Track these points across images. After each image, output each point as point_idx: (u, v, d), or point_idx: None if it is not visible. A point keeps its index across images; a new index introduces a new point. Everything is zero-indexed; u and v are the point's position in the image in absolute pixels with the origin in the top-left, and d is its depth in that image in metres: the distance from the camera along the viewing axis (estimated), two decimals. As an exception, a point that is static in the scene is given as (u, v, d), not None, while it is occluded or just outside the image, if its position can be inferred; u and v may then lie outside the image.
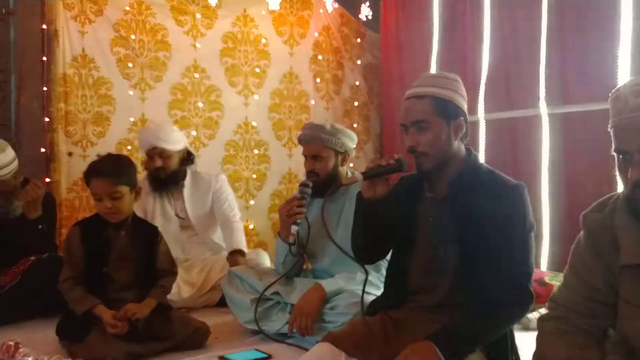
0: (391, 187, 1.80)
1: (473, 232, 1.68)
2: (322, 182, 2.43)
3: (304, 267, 2.71)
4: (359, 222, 1.87)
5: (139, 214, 3.02)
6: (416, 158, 1.74)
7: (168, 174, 3.20)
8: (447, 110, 1.73)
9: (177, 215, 3.25)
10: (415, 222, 1.82)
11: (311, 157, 2.49)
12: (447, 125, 1.73)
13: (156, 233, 2.40)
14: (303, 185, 2.42)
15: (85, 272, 2.23)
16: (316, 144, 2.47)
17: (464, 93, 1.80)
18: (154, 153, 3.16)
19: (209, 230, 3.34)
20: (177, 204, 3.27)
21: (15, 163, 2.78)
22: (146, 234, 2.37)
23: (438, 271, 1.76)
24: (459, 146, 1.78)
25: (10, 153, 2.77)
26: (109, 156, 2.30)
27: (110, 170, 2.19)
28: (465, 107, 1.79)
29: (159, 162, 3.16)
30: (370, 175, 1.74)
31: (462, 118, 1.76)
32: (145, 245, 2.34)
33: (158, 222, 3.13)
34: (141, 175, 3.28)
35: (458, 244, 1.71)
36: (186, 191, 3.27)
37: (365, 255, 1.94)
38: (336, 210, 2.50)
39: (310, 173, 2.49)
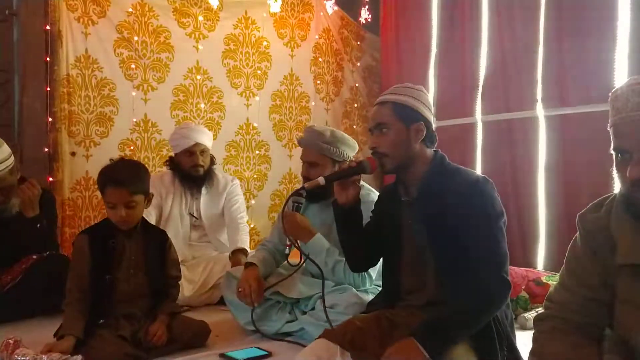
0: (359, 190, 1.91)
1: (445, 230, 1.73)
2: (316, 190, 2.45)
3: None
4: (339, 228, 1.99)
5: (152, 211, 3.07)
6: (378, 159, 1.83)
7: (205, 171, 3.25)
8: (406, 115, 1.81)
9: (190, 214, 3.28)
10: (398, 226, 1.89)
11: (307, 163, 2.47)
12: (406, 128, 1.81)
13: (165, 238, 2.38)
14: (296, 194, 2.44)
15: (94, 281, 2.19)
16: (313, 151, 2.44)
17: (428, 102, 1.89)
18: (197, 149, 3.20)
19: (217, 232, 3.37)
20: (194, 204, 3.30)
21: (12, 159, 2.71)
22: (156, 240, 2.34)
23: (423, 271, 1.84)
24: (422, 149, 1.84)
25: (6, 149, 2.69)
26: (126, 163, 2.24)
27: (129, 179, 2.13)
28: (428, 114, 1.86)
29: (201, 159, 3.21)
30: (332, 179, 1.86)
31: (422, 123, 1.82)
32: (156, 251, 2.32)
33: (172, 221, 3.19)
34: (155, 174, 3.30)
35: (433, 243, 1.78)
36: (204, 193, 3.30)
37: (355, 262, 2.08)
38: (330, 217, 2.50)
39: (304, 178, 2.47)
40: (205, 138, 3.26)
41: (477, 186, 1.75)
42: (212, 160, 3.35)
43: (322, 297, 2.07)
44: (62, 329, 2.10)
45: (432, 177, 1.82)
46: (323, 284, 2.10)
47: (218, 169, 3.46)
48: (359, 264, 2.12)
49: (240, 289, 2.39)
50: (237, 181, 3.48)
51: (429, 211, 1.78)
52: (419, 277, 1.86)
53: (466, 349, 1.67)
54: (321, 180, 1.82)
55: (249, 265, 2.49)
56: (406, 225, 1.88)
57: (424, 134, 1.83)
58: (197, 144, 3.19)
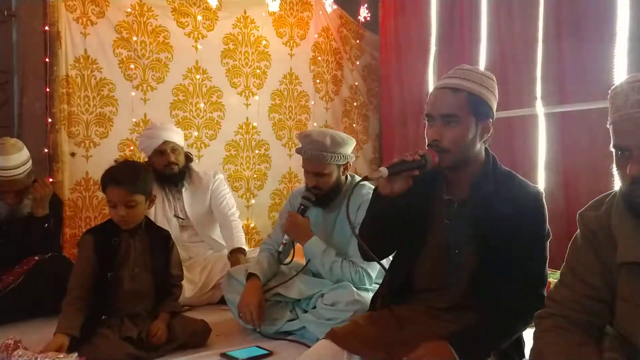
0: (411, 184, 1.63)
1: (493, 238, 1.62)
2: (325, 194, 2.45)
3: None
4: (373, 218, 1.77)
5: None
6: (437, 153, 1.62)
7: (180, 169, 3.21)
8: (480, 109, 1.64)
9: (176, 215, 3.25)
10: (427, 223, 1.75)
11: (313, 174, 2.43)
12: (475, 124, 1.65)
13: (169, 238, 2.42)
14: (305, 198, 2.44)
15: (96, 279, 2.21)
16: (318, 162, 2.39)
17: (497, 94, 1.73)
18: (167, 147, 3.15)
19: (208, 229, 3.34)
20: (177, 204, 3.27)
21: (30, 163, 2.80)
22: (160, 239, 2.38)
23: (450, 273, 1.72)
24: (481, 148, 1.72)
25: (25, 153, 2.80)
26: (127, 164, 2.29)
27: (128, 179, 2.18)
28: (495, 109, 1.70)
29: (172, 157, 3.17)
30: (395, 171, 1.58)
31: (491, 120, 1.68)
32: (160, 251, 2.35)
33: (159, 224, 3.16)
34: None
35: (476, 248, 1.66)
36: (185, 191, 3.27)
37: (368, 250, 1.86)
38: (332, 217, 2.51)
39: (314, 188, 2.44)
40: (174, 135, 3.19)
41: (538, 198, 1.66)
42: (188, 158, 3.30)
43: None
44: (58, 327, 2.12)
45: (486, 179, 1.67)
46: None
47: (196, 166, 3.41)
48: (371, 253, 1.91)
49: (241, 314, 2.40)
50: (220, 176, 3.41)
51: (482, 214, 1.64)
52: (440, 279, 1.74)
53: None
54: (384, 171, 1.56)
55: (250, 276, 2.47)
56: (439, 223, 1.73)
57: (490, 131, 1.69)
58: (165, 142, 3.14)
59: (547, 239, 1.68)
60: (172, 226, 3.20)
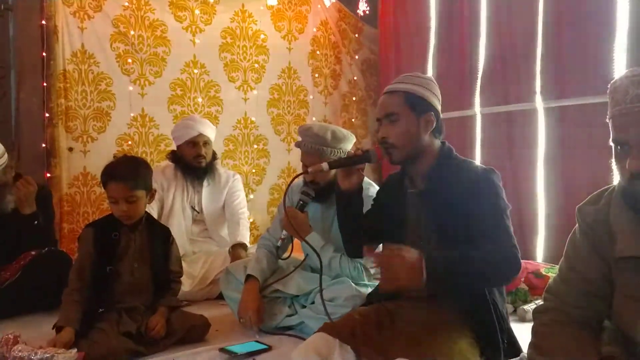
0: (363, 178, 1.92)
1: (452, 224, 1.72)
2: (322, 189, 2.45)
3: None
4: (340, 214, 2.01)
5: (154, 204, 3.08)
6: (386, 150, 1.82)
7: (209, 163, 3.28)
8: (417, 105, 1.80)
9: (192, 207, 3.29)
10: (402, 217, 1.88)
11: None
12: (416, 119, 1.81)
13: (169, 234, 2.43)
14: (304, 193, 2.44)
15: (95, 272, 2.23)
16: (317, 156, 2.38)
17: (437, 92, 1.88)
18: (200, 140, 3.21)
19: (218, 226, 3.38)
20: (195, 197, 3.31)
21: (5, 158, 2.72)
22: (160, 235, 2.39)
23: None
24: (431, 140, 1.84)
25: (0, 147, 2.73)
26: (127, 159, 2.31)
27: (128, 174, 2.19)
28: (437, 105, 1.86)
29: (203, 150, 3.23)
30: (336, 166, 1.87)
31: (432, 113, 1.82)
32: (160, 246, 2.36)
33: (174, 215, 3.20)
34: (157, 167, 3.32)
35: (438, 236, 1.76)
36: (205, 186, 3.32)
37: (353, 249, 2.08)
38: (330, 212, 2.49)
39: (311, 183, 2.45)
40: (209, 130, 3.28)
41: (486, 175, 1.75)
42: (214, 155, 3.37)
43: (321, 289, 2.06)
44: (60, 320, 2.13)
45: (440, 168, 1.81)
46: (321, 270, 2.10)
47: (219, 164, 3.47)
48: (357, 251, 2.11)
49: (241, 319, 2.41)
50: (238, 176, 3.50)
51: (438, 202, 1.76)
52: None
53: (468, 342, 1.67)
54: (325, 166, 1.83)
55: (249, 278, 2.47)
56: (411, 217, 1.86)
57: (434, 125, 1.83)
58: (200, 135, 3.21)
59: (506, 210, 1.73)
60: (185, 217, 3.27)
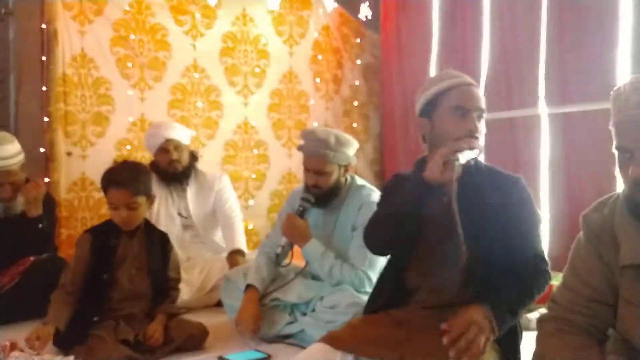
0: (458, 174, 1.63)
1: (482, 227, 1.67)
2: (324, 195, 2.43)
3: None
4: (405, 202, 1.73)
5: None
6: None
7: (183, 167, 3.23)
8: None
9: (179, 214, 3.25)
10: (419, 220, 1.76)
11: (314, 172, 2.41)
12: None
13: (167, 240, 2.42)
14: (304, 199, 2.42)
15: (92, 279, 2.22)
16: (320, 160, 2.37)
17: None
18: (169, 145, 3.17)
19: (210, 231, 3.34)
20: (181, 203, 3.27)
21: (22, 156, 2.81)
22: (158, 241, 2.38)
23: (445, 270, 1.72)
24: None
25: (17, 145, 2.81)
26: (128, 165, 2.30)
27: (129, 181, 2.18)
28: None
29: (175, 155, 3.19)
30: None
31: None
32: (158, 252, 2.35)
33: (162, 222, 3.15)
34: None
35: (467, 239, 1.69)
36: (190, 190, 3.27)
37: (382, 246, 1.88)
38: (332, 219, 2.49)
39: (313, 187, 2.42)
40: (176, 133, 3.21)
41: (520, 182, 1.77)
42: (193, 156, 3.32)
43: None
44: (48, 319, 2.15)
45: (470, 171, 1.71)
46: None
47: (200, 166, 3.40)
48: (381, 249, 1.93)
49: (238, 328, 2.40)
50: (226, 177, 3.43)
51: (470, 206, 1.70)
52: (434, 277, 1.75)
53: (493, 347, 1.62)
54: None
55: (248, 287, 2.45)
56: (426, 220, 1.74)
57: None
58: (167, 140, 3.16)
59: (539, 221, 1.76)
60: (175, 225, 3.23)
